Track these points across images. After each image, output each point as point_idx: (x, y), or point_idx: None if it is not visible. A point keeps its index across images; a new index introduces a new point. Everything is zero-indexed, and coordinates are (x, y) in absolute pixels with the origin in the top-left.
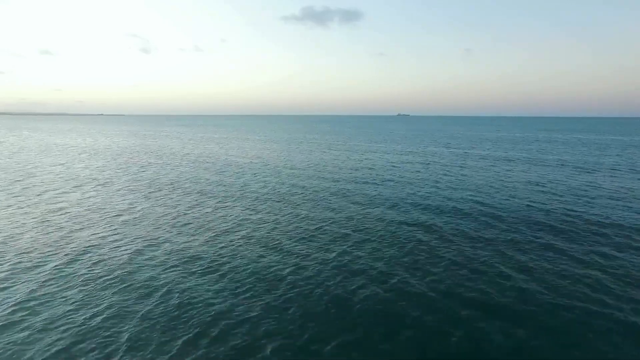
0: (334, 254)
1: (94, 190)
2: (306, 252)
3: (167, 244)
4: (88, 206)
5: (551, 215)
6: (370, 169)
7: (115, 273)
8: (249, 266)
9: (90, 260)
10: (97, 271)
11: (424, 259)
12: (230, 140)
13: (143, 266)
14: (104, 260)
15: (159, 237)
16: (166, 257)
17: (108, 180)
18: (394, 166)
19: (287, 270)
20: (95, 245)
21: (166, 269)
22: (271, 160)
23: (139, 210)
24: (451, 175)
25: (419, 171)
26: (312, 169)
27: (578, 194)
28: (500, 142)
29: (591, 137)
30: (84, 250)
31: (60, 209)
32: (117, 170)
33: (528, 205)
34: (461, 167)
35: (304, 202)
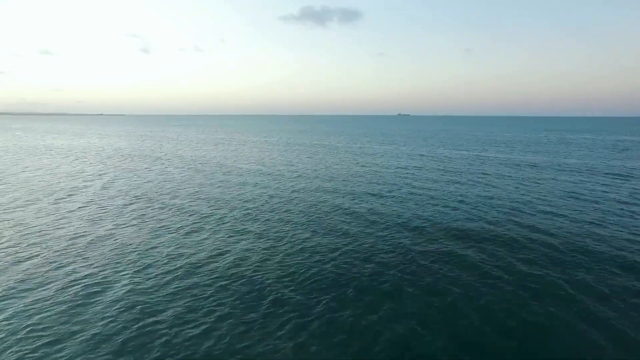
0: (347, 299)
1: (63, 202)
2: (310, 298)
3: (125, 287)
4: (46, 224)
5: (616, 241)
6: (379, 176)
7: (48, 332)
8: (231, 332)
9: (19, 311)
10: (22, 330)
11: (469, 310)
12: (229, 142)
13: (87, 322)
14: (37, 308)
15: (117, 274)
16: (121, 308)
17: (82, 189)
18: (406, 172)
19: (285, 327)
20: (34, 285)
21: (117, 327)
22: (269, 165)
23: (103, 232)
24: (472, 185)
25: (434, 180)
26: (313, 176)
27: (634, 210)
28: (511, 143)
29: (601, 137)
30: (17, 292)
31: (13, 226)
32: (98, 177)
33: (578, 226)
34: (482, 174)
35: (305, 222)
